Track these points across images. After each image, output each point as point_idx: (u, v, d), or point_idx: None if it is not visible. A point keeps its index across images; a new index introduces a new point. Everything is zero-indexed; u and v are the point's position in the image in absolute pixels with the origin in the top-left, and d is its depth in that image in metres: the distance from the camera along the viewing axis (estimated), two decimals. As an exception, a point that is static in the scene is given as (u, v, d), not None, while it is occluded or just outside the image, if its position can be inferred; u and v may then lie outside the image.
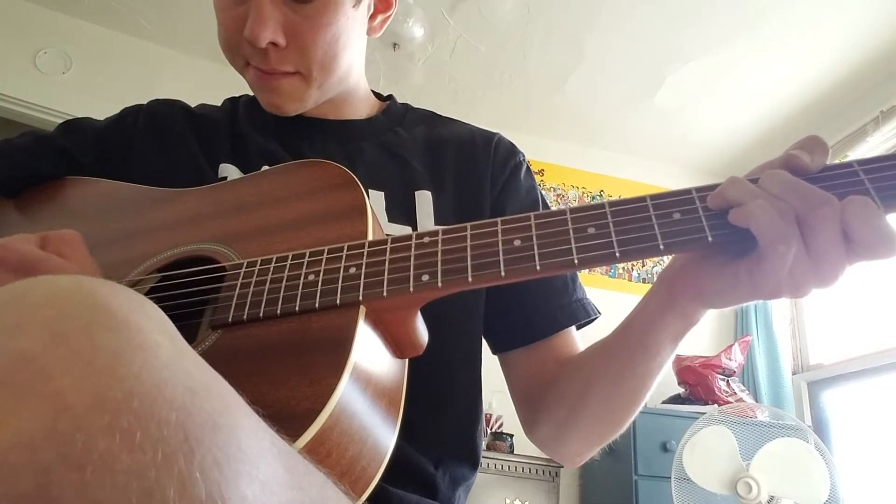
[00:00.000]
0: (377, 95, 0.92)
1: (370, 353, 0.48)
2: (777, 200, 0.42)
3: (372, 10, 0.80)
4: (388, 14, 0.83)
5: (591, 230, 0.46)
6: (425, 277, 0.48)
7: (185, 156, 0.79)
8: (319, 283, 0.50)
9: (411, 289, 0.48)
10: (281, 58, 0.72)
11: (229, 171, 0.77)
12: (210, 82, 3.11)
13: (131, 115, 0.85)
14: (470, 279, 0.47)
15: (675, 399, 2.84)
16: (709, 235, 0.44)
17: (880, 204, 0.41)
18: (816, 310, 3.24)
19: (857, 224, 0.40)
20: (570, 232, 0.47)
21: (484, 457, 2.06)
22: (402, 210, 0.75)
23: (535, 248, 0.47)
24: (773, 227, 0.41)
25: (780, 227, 0.41)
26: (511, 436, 2.77)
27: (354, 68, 0.82)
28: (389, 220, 0.73)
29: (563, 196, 3.57)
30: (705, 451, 1.97)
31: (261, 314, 0.50)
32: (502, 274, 0.47)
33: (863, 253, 0.41)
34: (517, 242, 0.48)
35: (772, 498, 1.88)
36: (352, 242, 0.52)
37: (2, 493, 0.23)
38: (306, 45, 0.71)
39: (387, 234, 0.54)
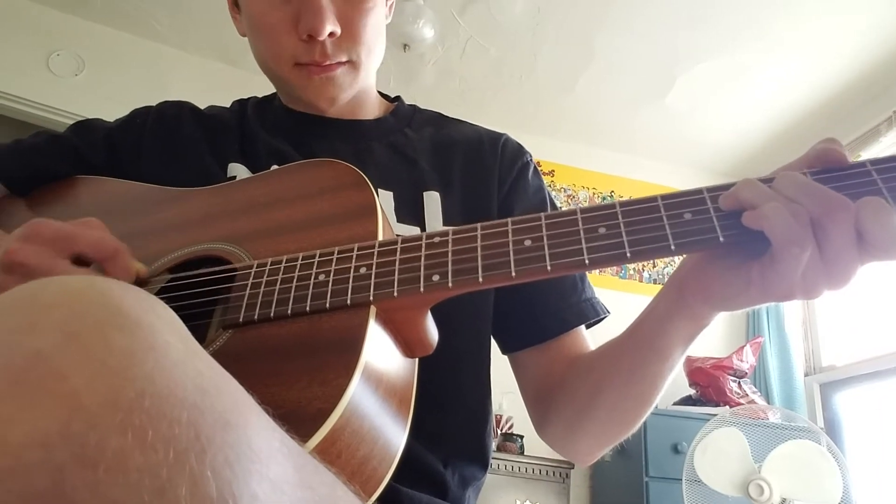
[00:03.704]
0: (384, 97, 0.92)
1: (381, 353, 0.48)
2: (791, 203, 0.42)
3: None
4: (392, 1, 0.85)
5: (602, 230, 0.46)
6: (436, 277, 0.48)
7: (195, 156, 0.80)
8: (330, 284, 0.50)
9: (422, 289, 0.48)
10: (336, 48, 0.73)
11: (238, 171, 0.77)
12: (221, 84, 3.14)
13: (141, 116, 0.86)
14: (480, 279, 0.47)
15: (687, 400, 2.83)
16: (720, 236, 0.44)
17: (893, 204, 0.41)
18: (829, 311, 3.21)
19: (871, 225, 0.40)
20: (581, 232, 0.47)
21: (494, 458, 2.06)
22: (410, 210, 0.75)
23: (546, 248, 0.47)
24: (788, 230, 0.41)
25: (794, 229, 0.41)
26: (521, 437, 2.76)
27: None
28: (398, 221, 0.73)
29: (574, 197, 3.56)
30: (717, 453, 1.96)
31: (271, 314, 0.50)
32: (513, 274, 0.46)
33: (876, 254, 0.41)
34: (528, 243, 0.48)
35: (784, 500, 1.87)
36: (362, 243, 0.52)
37: (17, 491, 0.23)
38: (357, 31, 0.74)
39: (397, 235, 0.54)
